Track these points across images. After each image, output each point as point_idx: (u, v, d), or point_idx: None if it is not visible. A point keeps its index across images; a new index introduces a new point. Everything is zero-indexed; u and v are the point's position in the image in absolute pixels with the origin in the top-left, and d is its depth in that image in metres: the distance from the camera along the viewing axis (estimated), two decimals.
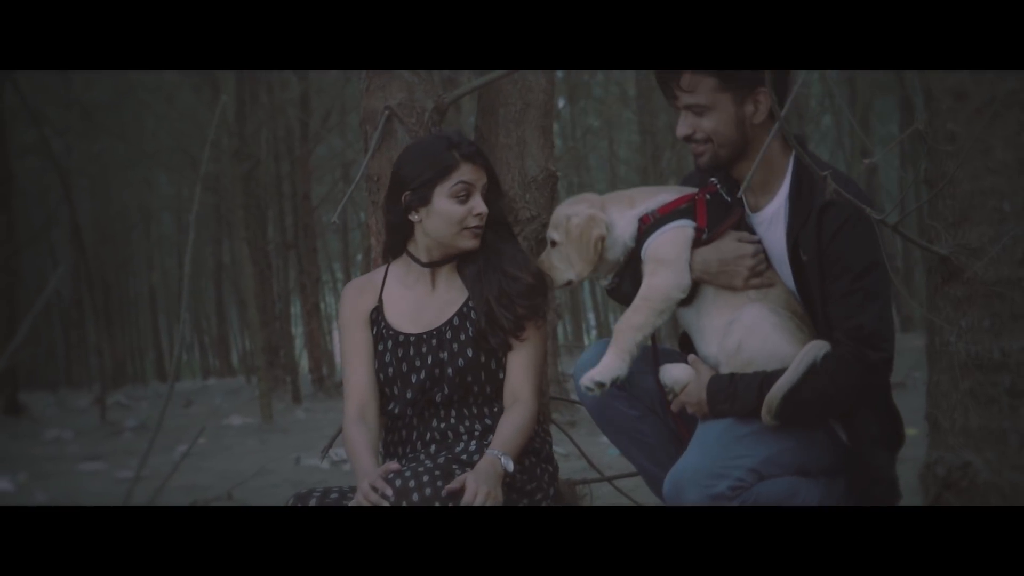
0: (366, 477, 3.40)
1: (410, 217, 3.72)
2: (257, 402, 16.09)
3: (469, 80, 5.39)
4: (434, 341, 3.70)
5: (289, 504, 3.48)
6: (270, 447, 11.71)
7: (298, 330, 24.31)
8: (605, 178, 29.48)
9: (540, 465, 3.70)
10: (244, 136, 17.41)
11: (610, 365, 3.42)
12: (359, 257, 29.13)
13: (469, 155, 3.70)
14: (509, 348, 3.71)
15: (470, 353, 3.67)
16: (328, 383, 20.00)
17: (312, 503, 3.46)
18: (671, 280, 3.44)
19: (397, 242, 3.81)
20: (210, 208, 26.62)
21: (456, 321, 3.72)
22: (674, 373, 3.53)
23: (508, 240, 3.81)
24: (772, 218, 3.47)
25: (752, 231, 3.53)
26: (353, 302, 3.81)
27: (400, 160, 3.78)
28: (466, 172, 3.68)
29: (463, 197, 3.67)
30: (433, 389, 3.67)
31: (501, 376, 3.71)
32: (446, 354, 3.68)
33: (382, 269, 3.87)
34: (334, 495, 3.50)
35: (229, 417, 15.76)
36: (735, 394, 3.37)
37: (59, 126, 22.97)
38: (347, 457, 3.68)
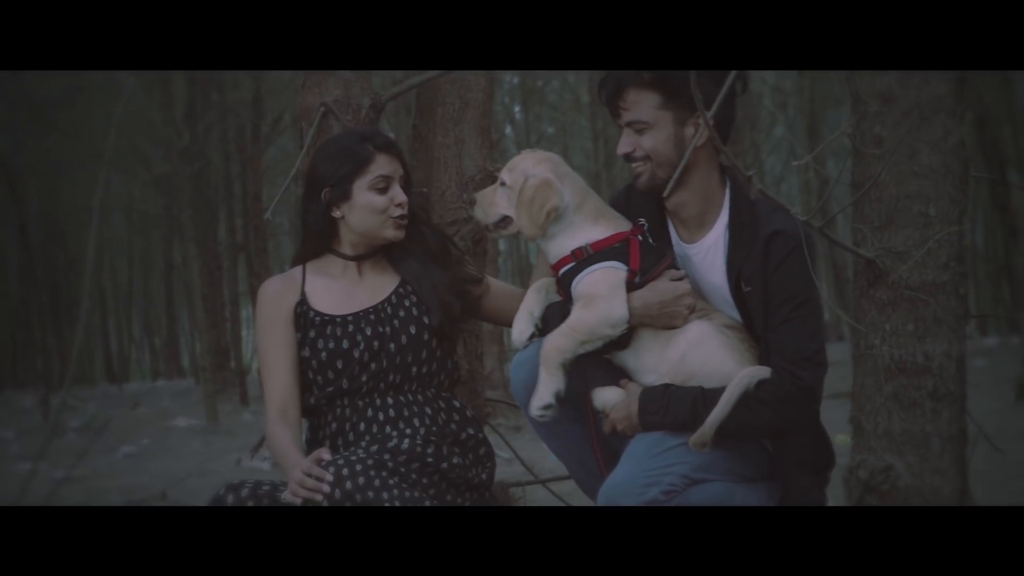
0: (297, 466, 3.34)
1: (333, 214, 3.69)
2: (204, 404, 15.99)
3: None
4: (372, 316, 3.67)
5: (220, 494, 3.42)
6: (214, 449, 11.64)
7: (248, 333, 24.15)
8: None
9: (489, 458, 3.70)
10: (195, 135, 17.30)
11: (546, 384, 3.41)
12: None
13: (383, 146, 3.69)
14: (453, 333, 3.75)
15: (413, 330, 3.65)
16: None
17: (244, 493, 3.41)
18: (601, 314, 3.40)
19: (319, 244, 3.77)
20: (160, 208, 26.44)
21: (394, 299, 3.70)
22: (606, 395, 3.51)
23: (437, 236, 3.83)
24: (710, 249, 3.50)
25: (682, 263, 3.55)
26: (274, 299, 3.73)
27: (315, 160, 3.78)
28: (383, 164, 3.67)
29: (383, 188, 3.66)
30: (371, 364, 3.61)
31: (439, 355, 3.69)
32: (388, 329, 3.64)
33: (298, 269, 3.80)
34: (266, 487, 3.45)
35: (174, 419, 15.66)
36: (667, 406, 3.36)
37: (7, 123, 22.72)
38: (272, 456, 3.62)
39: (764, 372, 3.32)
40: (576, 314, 3.43)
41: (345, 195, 3.66)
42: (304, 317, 3.69)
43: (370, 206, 3.65)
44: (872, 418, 3.21)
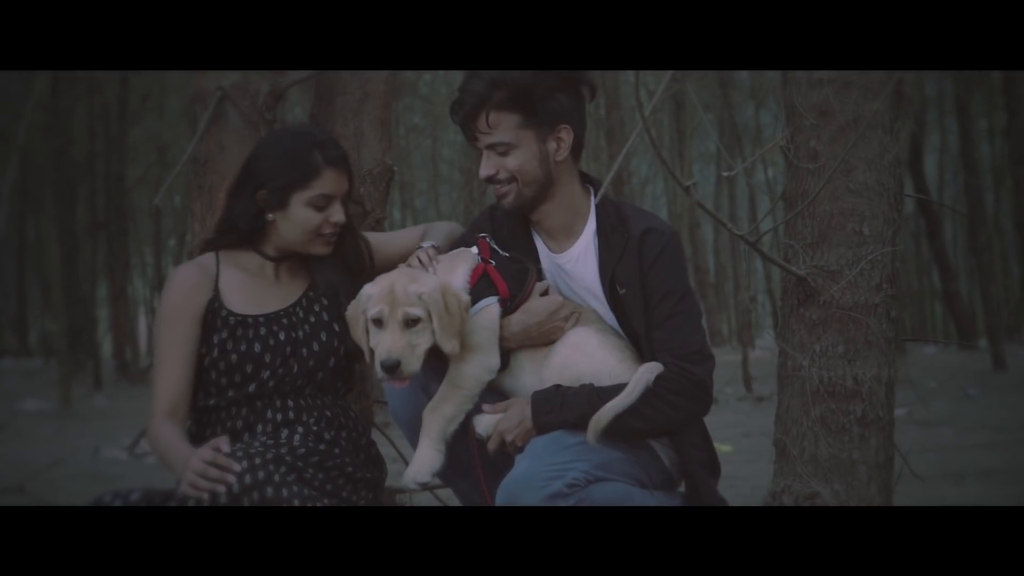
0: (197, 456, 3.14)
1: (266, 217, 3.51)
2: (55, 386, 15.53)
3: None
4: (284, 320, 3.51)
5: (106, 500, 3.21)
6: (67, 436, 11.27)
7: (102, 313, 23.69)
8: (427, 177, 29.53)
9: (380, 460, 3.59)
10: (58, 111, 16.86)
11: (426, 460, 3.35)
12: (172, 242, 28.47)
13: (333, 160, 3.50)
14: None
15: (323, 336, 3.52)
16: (132, 369, 19.52)
17: (134, 497, 3.21)
18: (484, 365, 3.41)
19: (242, 240, 3.58)
20: (16, 183, 25.77)
21: (304, 303, 3.56)
22: (488, 420, 3.44)
23: (358, 248, 3.66)
24: (580, 256, 3.51)
25: (554, 274, 3.55)
26: (186, 293, 3.50)
27: (259, 153, 3.55)
28: (327, 181, 3.48)
29: (321, 207, 3.48)
30: (280, 368, 3.45)
31: (344, 362, 3.56)
32: (300, 334, 3.50)
33: (210, 258, 3.60)
34: (158, 495, 3.25)
35: (23, 401, 15.18)
36: (562, 404, 3.32)
37: None
38: (156, 453, 3.41)
39: (660, 368, 3.31)
40: (457, 369, 3.40)
41: (281, 204, 3.47)
42: (216, 316, 3.49)
43: (304, 223, 3.48)
44: (798, 442, 3.15)
